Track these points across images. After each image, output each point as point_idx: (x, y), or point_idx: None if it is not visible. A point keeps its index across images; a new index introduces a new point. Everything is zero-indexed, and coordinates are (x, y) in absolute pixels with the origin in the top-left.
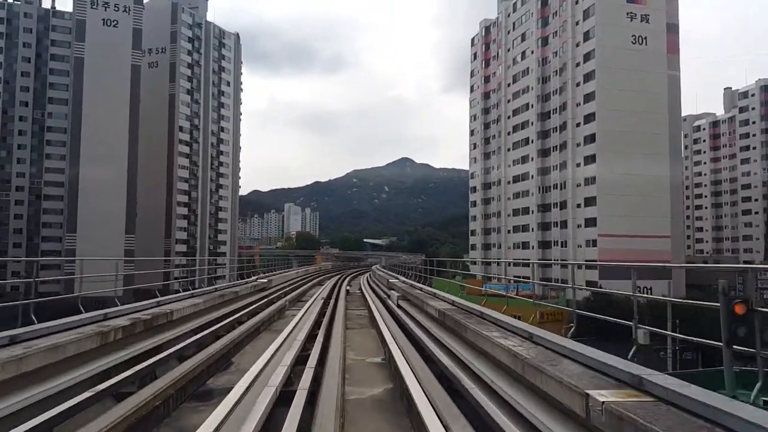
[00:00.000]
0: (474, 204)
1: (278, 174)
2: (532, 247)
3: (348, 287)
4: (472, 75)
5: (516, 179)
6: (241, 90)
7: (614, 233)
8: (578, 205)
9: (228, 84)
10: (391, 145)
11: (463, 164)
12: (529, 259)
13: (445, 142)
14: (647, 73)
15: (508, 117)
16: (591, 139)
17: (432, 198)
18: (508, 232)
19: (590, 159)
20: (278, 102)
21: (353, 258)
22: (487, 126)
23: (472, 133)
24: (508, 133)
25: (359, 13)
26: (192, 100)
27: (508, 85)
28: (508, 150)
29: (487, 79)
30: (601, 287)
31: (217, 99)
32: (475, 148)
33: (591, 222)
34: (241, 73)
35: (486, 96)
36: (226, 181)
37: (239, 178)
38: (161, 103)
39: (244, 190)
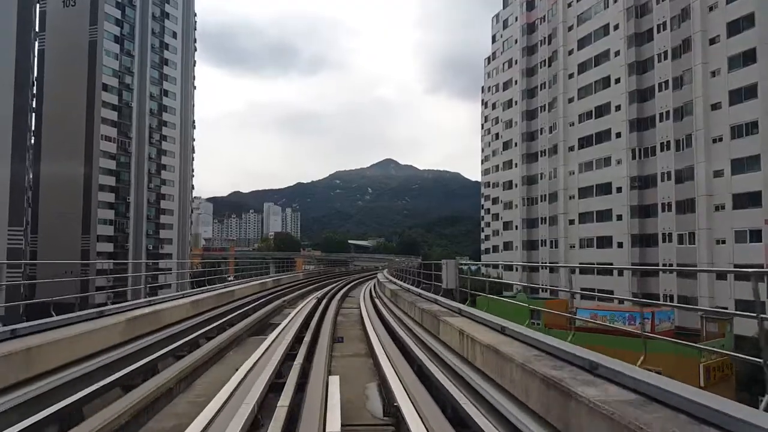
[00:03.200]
0: (510, 185)
1: (260, 176)
2: (619, 245)
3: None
4: (504, 5)
5: (585, 143)
6: (195, 49)
7: None
8: (717, 173)
9: (174, 36)
10: (374, 146)
11: (448, 166)
12: (611, 264)
13: (429, 143)
14: None
15: (570, 52)
16: (748, 57)
17: (417, 200)
18: (571, 222)
19: (746, 91)
20: (259, 103)
21: (338, 261)
22: (531, 72)
23: (504, 87)
24: (571, 76)
25: (341, 12)
26: (123, 51)
27: (569, 4)
28: (571, 101)
29: (530, 5)
30: None
31: (158, 53)
32: (510, 106)
33: (748, 199)
34: (195, 29)
35: (530, 29)
36: (171, 161)
37: (193, 158)
38: (79, 53)
39: (224, 191)
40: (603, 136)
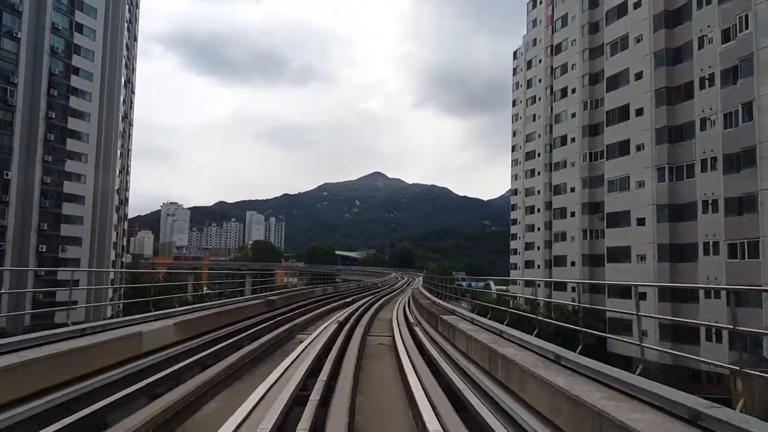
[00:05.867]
0: (621, 150)
1: (246, 186)
2: None
3: None
4: None
5: None
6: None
7: None
8: None
9: None
10: (363, 158)
11: (436, 181)
12: None
13: (417, 157)
14: None
15: None
16: None
17: (405, 213)
18: None
19: None
20: (247, 113)
21: (322, 275)
22: None
23: None
24: None
25: (330, 23)
26: None
27: None
28: None
29: None
30: None
31: None
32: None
33: None
34: None
35: None
36: (85, 126)
37: (127, 131)
38: None
39: (209, 201)
40: None
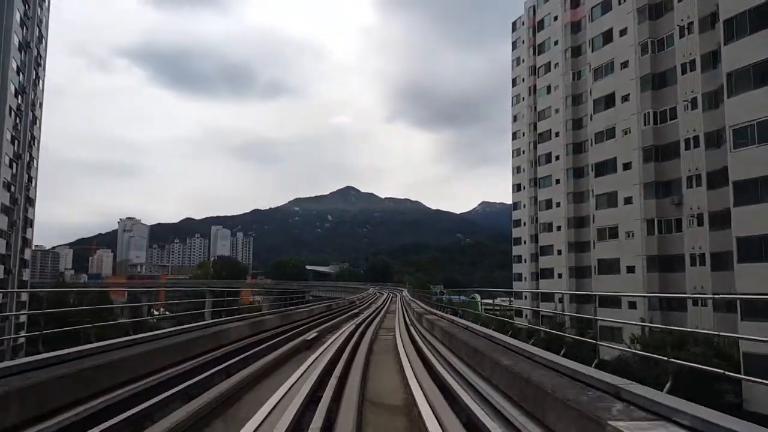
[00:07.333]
0: (751, 78)
1: (214, 202)
2: None
3: None
4: None
5: None
6: None
7: None
8: None
9: None
10: (335, 173)
11: (409, 194)
12: None
13: (389, 172)
14: None
15: None
16: None
17: (378, 228)
18: None
19: None
20: (215, 128)
21: (291, 294)
22: None
23: None
24: None
25: (300, 38)
26: None
27: None
28: None
29: None
30: None
31: None
32: None
33: None
34: None
35: None
36: None
37: (29, 108)
38: None
39: (175, 218)
40: None
